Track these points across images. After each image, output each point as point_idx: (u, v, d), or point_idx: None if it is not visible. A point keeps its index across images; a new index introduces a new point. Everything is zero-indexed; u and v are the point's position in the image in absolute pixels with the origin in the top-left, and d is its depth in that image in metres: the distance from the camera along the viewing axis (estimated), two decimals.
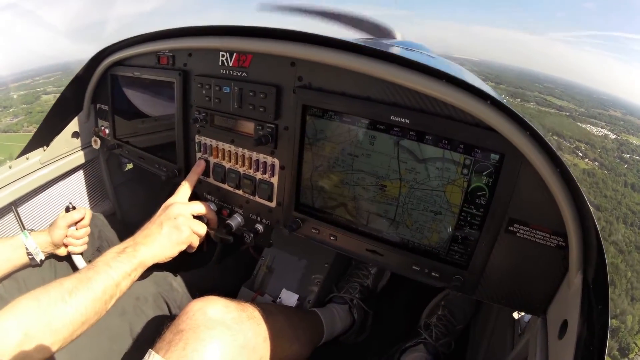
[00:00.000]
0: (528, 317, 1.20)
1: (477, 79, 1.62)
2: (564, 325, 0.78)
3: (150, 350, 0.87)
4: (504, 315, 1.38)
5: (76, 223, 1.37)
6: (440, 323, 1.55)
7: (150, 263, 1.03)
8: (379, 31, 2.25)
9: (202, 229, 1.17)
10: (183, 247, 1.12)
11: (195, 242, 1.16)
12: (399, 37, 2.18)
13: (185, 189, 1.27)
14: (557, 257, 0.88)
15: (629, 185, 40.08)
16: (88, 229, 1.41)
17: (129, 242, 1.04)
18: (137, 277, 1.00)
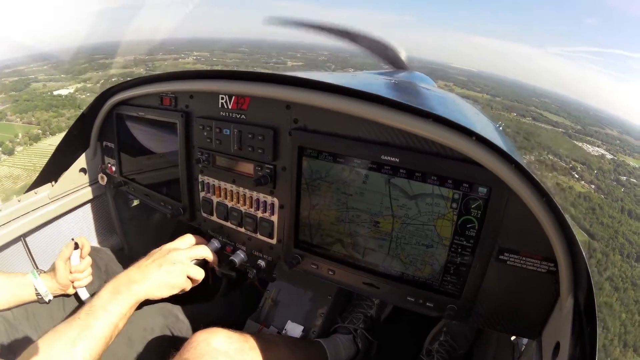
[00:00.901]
0: (526, 340, 1.21)
1: (469, 108, 1.66)
2: (557, 347, 0.81)
3: None
4: (504, 338, 1.39)
5: (77, 250, 1.36)
6: (443, 349, 1.56)
7: (143, 299, 1.04)
8: (381, 49, 2.28)
9: (199, 274, 1.17)
10: (175, 292, 1.12)
11: (188, 287, 1.16)
12: (403, 56, 2.24)
13: (190, 240, 1.27)
14: (548, 282, 0.91)
15: (625, 211, 37.86)
16: (89, 260, 1.41)
17: (122, 278, 1.03)
18: (131, 313, 1.02)
